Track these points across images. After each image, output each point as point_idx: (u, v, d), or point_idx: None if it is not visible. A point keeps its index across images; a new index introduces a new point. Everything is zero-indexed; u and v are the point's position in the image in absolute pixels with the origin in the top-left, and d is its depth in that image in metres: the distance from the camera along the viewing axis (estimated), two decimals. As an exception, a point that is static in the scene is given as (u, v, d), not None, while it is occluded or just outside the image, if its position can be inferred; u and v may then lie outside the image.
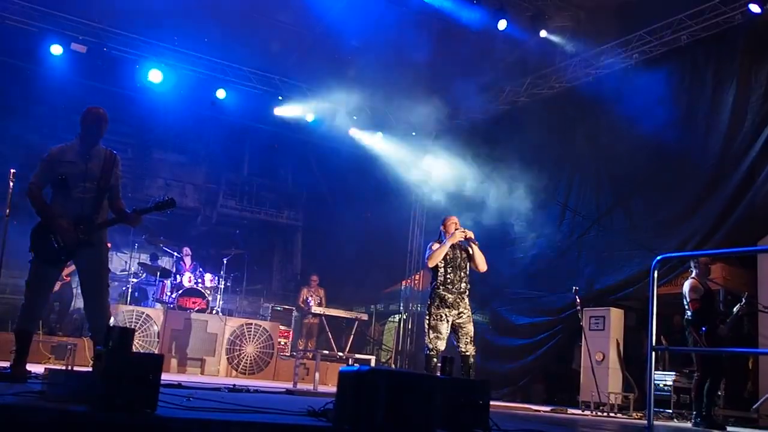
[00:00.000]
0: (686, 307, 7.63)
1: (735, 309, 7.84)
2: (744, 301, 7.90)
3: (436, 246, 7.16)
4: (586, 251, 11.05)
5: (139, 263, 12.40)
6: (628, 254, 10.25)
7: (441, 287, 7.01)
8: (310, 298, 12.71)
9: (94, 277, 5.42)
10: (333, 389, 8.77)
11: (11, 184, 6.40)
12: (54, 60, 11.56)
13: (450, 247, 7.11)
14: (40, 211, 5.32)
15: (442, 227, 7.28)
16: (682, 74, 10.17)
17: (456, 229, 7.14)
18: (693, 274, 7.76)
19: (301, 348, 12.60)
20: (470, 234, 7.15)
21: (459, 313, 6.97)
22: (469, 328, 7.01)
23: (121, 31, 11.66)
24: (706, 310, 7.51)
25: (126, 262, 12.39)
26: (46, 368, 4.32)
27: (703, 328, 7.39)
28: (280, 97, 13.28)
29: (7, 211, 6.26)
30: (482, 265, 7.23)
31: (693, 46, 10.04)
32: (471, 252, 7.19)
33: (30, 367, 5.42)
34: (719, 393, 8.23)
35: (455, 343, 7.01)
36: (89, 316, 5.45)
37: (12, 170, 6.46)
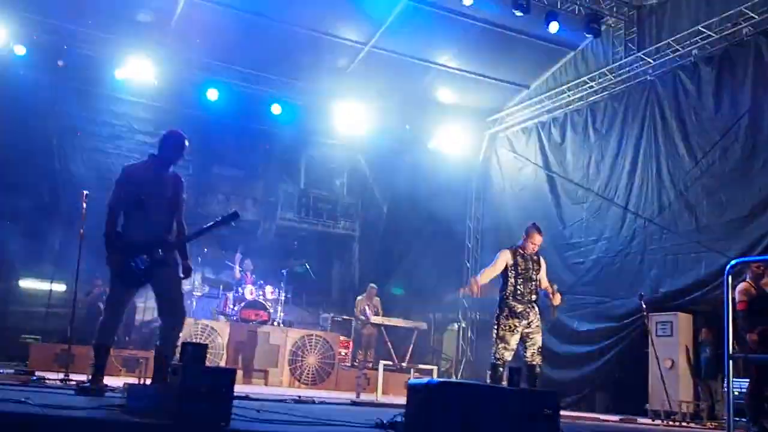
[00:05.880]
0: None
1: None
2: None
3: (500, 263, 7.11)
4: (649, 255, 10.80)
5: (202, 277, 12.64)
6: (694, 257, 9.98)
7: (510, 297, 6.96)
8: (366, 308, 12.74)
9: (172, 295, 5.51)
10: (396, 400, 8.79)
11: (84, 205, 6.60)
12: (118, 82, 11.98)
13: (521, 258, 7.09)
14: (108, 234, 5.39)
15: (523, 236, 7.23)
16: (744, 67, 9.86)
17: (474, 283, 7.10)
18: (746, 278, 7.57)
19: (360, 358, 12.64)
20: (556, 300, 7.18)
21: (528, 323, 6.92)
22: (537, 339, 6.94)
23: (180, 52, 11.98)
24: (757, 313, 7.30)
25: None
26: (125, 383, 4.45)
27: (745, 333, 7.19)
28: (334, 110, 13.46)
29: (81, 231, 6.44)
30: (544, 287, 7.30)
31: (756, 37, 9.74)
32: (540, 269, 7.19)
33: (104, 380, 5.58)
34: None
35: (522, 352, 6.95)
36: (165, 331, 5.49)
37: (85, 192, 6.67)
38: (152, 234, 5.39)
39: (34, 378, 6.42)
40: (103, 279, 10.53)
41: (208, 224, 5.67)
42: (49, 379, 6.10)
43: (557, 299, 7.19)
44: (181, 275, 5.59)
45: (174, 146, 5.60)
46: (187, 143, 5.64)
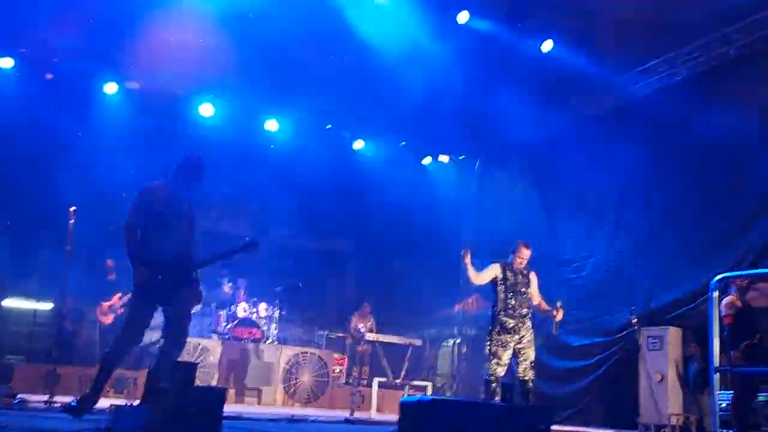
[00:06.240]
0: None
1: None
2: None
3: (488, 273, 7.17)
4: (639, 270, 10.88)
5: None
6: (683, 272, 10.05)
7: (502, 313, 7.01)
8: (360, 325, 12.72)
9: (183, 319, 5.49)
10: (390, 417, 8.77)
11: (71, 221, 6.57)
12: (109, 98, 12.00)
13: (511, 272, 7.17)
14: (135, 252, 5.35)
15: (511, 252, 7.30)
16: (733, 88, 9.99)
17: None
18: (732, 292, 7.63)
19: (355, 375, 12.59)
20: (559, 316, 7.23)
21: (520, 338, 6.95)
22: (530, 354, 6.98)
23: (172, 68, 11.97)
24: (743, 326, 7.35)
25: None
26: (111, 404, 4.41)
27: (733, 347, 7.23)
28: (328, 126, 13.54)
29: (68, 248, 6.41)
30: (536, 302, 7.34)
31: (743, 59, 9.87)
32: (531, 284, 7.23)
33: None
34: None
35: (515, 367, 6.98)
36: (167, 354, 5.45)
37: (72, 208, 6.65)
38: (176, 253, 5.38)
39: (16, 401, 6.31)
40: (76, 297, 10.47)
41: (225, 251, 5.68)
42: (32, 402, 6.02)
43: (560, 315, 7.22)
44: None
45: (193, 169, 5.62)
46: (204, 167, 5.66)
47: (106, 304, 10.55)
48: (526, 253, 7.22)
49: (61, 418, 4.97)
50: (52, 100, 11.35)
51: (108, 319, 10.60)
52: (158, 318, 5.61)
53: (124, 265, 10.47)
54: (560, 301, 7.36)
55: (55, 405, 5.77)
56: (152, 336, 11.29)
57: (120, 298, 10.63)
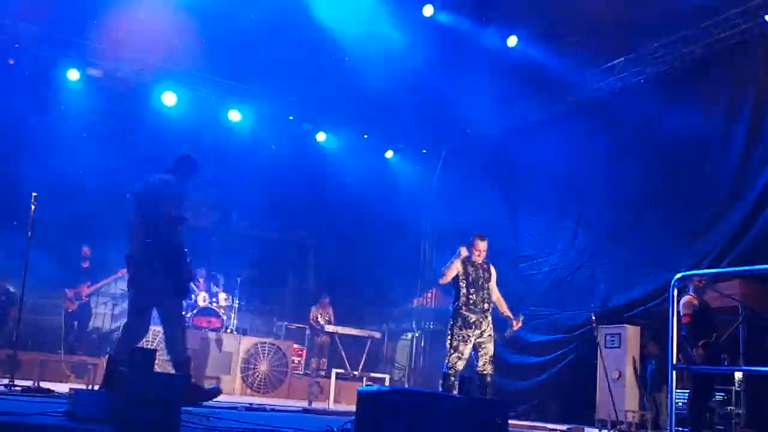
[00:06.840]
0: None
1: None
2: (741, 313, 7.91)
3: (452, 270, 7.20)
4: (600, 268, 11.00)
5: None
6: (643, 271, 10.17)
7: (464, 307, 7.03)
8: (319, 317, 12.72)
9: (181, 311, 5.50)
10: (348, 408, 8.78)
11: (33, 207, 6.46)
12: (71, 85, 11.82)
13: (472, 267, 7.17)
14: (175, 246, 5.31)
15: (468, 247, 7.32)
16: (696, 88, 10.14)
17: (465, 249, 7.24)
18: (690, 291, 7.78)
19: (314, 366, 12.60)
20: (516, 326, 7.28)
21: (481, 333, 7.00)
22: (489, 348, 7.03)
23: (135, 54, 11.82)
24: (701, 326, 7.51)
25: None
26: (71, 388, 4.37)
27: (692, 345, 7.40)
28: (290, 117, 13.48)
29: (29, 233, 6.31)
30: (495, 297, 7.38)
31: (708, 59, 10.02)
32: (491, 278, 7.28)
33: (51, 385, 5.46)
34: (739, 412, 8.17)
35: (474, 362, 7.03)
36: (171, 345, 5.58)
37: (33, 194, 6.53)
38: (181, 248, 5.37)
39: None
40: (40, 283, 10.27)
41: None
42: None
43: (518, 324, 7.28)
44: None
45: (193, 169, 5.63)
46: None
47: (71, 291, 10.44)
48: (482, 246, 7.24)
49: (23, 400, 4.92)
50: (14, 85, 11.11)
51: (72, 306, 10.52)
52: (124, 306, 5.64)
53: (98, 254, 10.52)
54: (522, 317, 7.43)
55: (16, 388, 5.69)
56: (111, 323, 11.29)
57: (88, 287, 10.56)
